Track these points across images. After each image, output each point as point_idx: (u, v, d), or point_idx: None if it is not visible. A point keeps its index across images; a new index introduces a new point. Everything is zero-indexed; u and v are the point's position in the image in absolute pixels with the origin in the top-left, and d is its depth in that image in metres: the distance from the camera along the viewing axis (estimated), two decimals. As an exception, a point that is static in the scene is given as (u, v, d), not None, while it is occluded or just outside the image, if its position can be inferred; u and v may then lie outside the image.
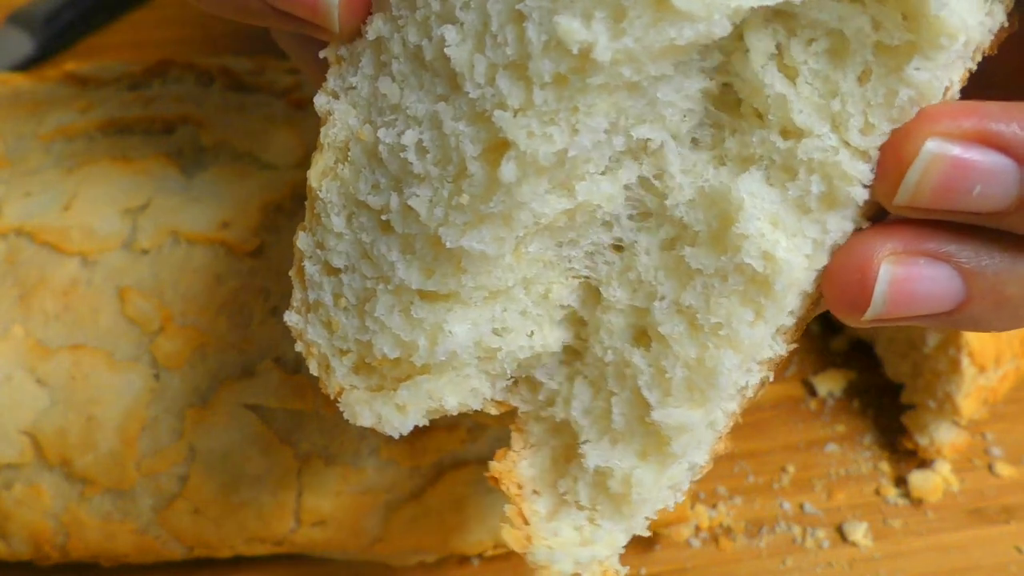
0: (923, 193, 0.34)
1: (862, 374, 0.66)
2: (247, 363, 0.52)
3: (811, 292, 0.37)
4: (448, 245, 0.36)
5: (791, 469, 0.62)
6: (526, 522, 0.41)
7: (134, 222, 0.53)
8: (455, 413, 0.42)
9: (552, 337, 0.41)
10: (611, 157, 0.37)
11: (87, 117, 0.57)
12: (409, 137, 0.37)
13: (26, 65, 0.80)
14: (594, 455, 0.40)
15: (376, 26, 0.38)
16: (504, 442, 0.53)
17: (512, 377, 0.42)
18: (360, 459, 0.52)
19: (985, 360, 0.59)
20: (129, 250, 0.53)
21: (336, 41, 0.40)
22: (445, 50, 0.36)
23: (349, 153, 0.39)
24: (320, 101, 0.40)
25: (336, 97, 0.40)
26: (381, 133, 0.38)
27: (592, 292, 0.40)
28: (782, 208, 0.36)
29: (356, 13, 0.38)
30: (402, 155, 0.37)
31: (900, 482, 0.61)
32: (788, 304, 0.37)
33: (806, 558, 0.58)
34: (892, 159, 0.34)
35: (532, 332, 0.40)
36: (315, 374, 0.41)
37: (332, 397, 0.41)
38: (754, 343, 0.37)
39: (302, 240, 0.41)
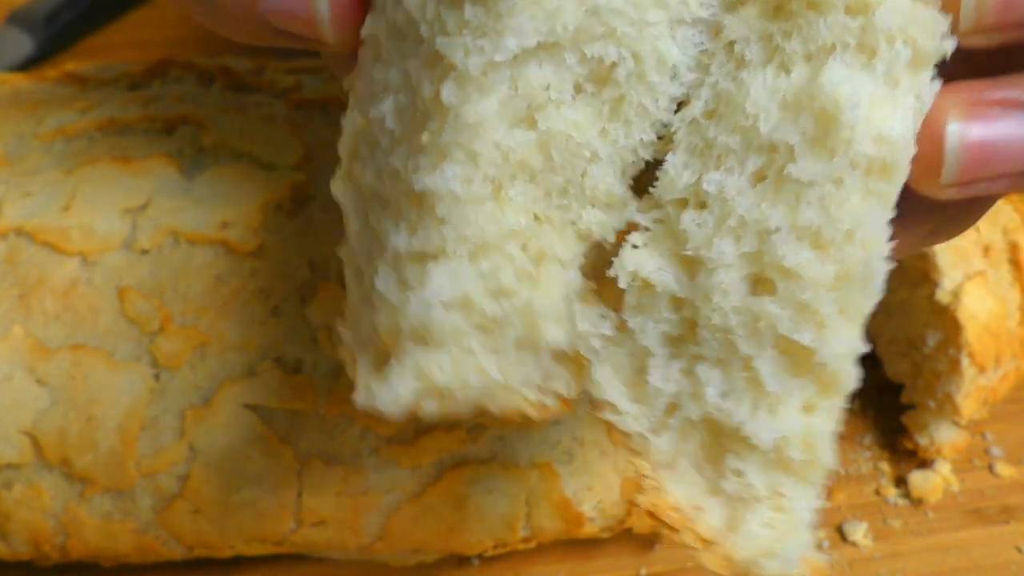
0: (986, 8, 0.32)
1: (862, 374, 0.66)
2: (247, 363, 0.52)
3: None
4: (417, 188, 0.36)
5: (791, 469, 0.62)
6: (707, 543, 0.37)
7: (134, 222, 0.53)
8: (467, 409, 0.38)
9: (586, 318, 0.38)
10: (575, 84, 0.36)
11: (87, 117, 0.57)
12: (387, 104, 0.37)
13: (26, 65, 0.80)
14: (762, 433, 0.36)
15: (367, 24, 0.38)
16: (505, 442, 0.53)
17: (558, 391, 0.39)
18: (360, 459, 0.52)
19: (985, 360, 0.59)
20: (129, 250, 0.53)
21: (335, 54, 0.40)
22: (404, 3, 0.36)
23: (358, 149, 0.39)
24: (343, 120, 0.40)
25: (350, 110, 0.40)
26: (371, 112, 0.38)
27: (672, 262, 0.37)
28: (875, 87, 0.34)
29: (345, 24, 0.38)
30: (386, 123, 0.37)
31: (900, 482, 0.61)
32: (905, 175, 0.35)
33: (806, 558, 0.58)
34: None
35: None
36: (352, 377, 0.39)
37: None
38: (888, 230, 0.35)
39: (342, 250, 0.41)
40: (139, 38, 0.82)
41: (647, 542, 0.59)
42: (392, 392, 0.37)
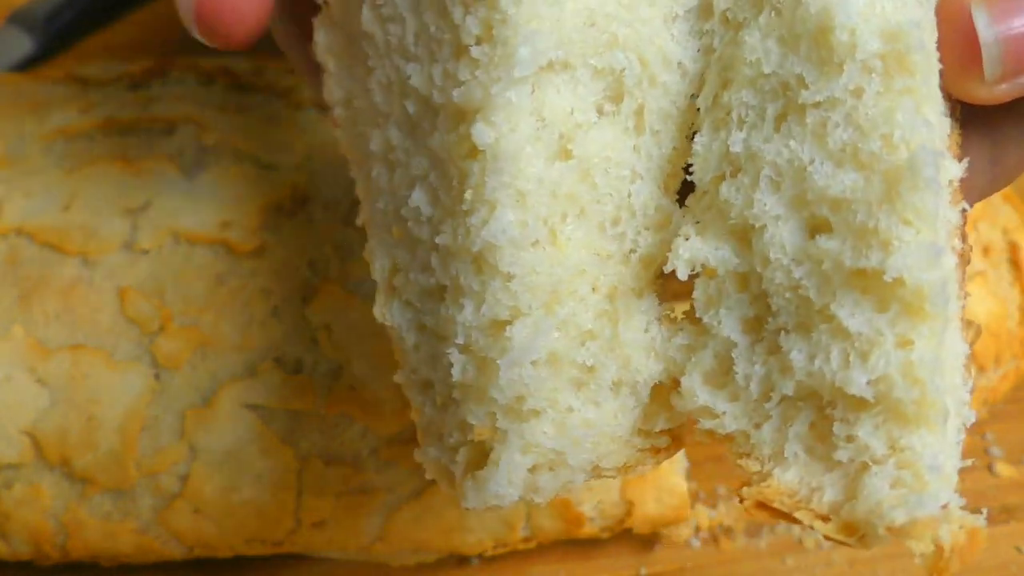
0: None
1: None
2: (247, 363, 0.52)
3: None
4: (475, 248, 0.35)
5: (791, 469, 0.62)
6: (826, 518, 0.35)
7: (134, 222, 0.53)
8: (585, 477, 0.37)
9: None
10: (596, 105, 0.36)
11: (87, 117, 0.57)
12: (418, 194, 0.37)
13: (26, 65, 0.80)
14: (860, 379, 0.34)
15: (376, 138, 0.39)
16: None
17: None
18: (360, 459, 0.52)
19: (985, 360, 0.59)
20: (129, 250, 0.53)
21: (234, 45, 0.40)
22: (409, 83, 0.37)
23: (397, 263, 0.39)
24: (366, 253, 0.41)
25: (372, 237, 0.40)
26: (403, 211, 0.38)
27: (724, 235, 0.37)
28: None
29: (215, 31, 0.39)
30: (422, 212, 0.37)
31: (900, 482, 0.61)
32: (932, 73, 0.34)
33: (806, 558, 0.58)
34: None
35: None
36: (447, 490, 0.39)
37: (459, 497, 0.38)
38: (926, 124, 0.33)
39: (399, 376, 0.40)
40: (139, 38, 0.82)
41: (647, 542, 0.59)
42: (502, 478, 0.36)
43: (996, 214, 0.59)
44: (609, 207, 0.36)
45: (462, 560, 0.58)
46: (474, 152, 0.35)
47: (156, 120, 0.57)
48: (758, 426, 0.37)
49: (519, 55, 0.34)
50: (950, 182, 0.35)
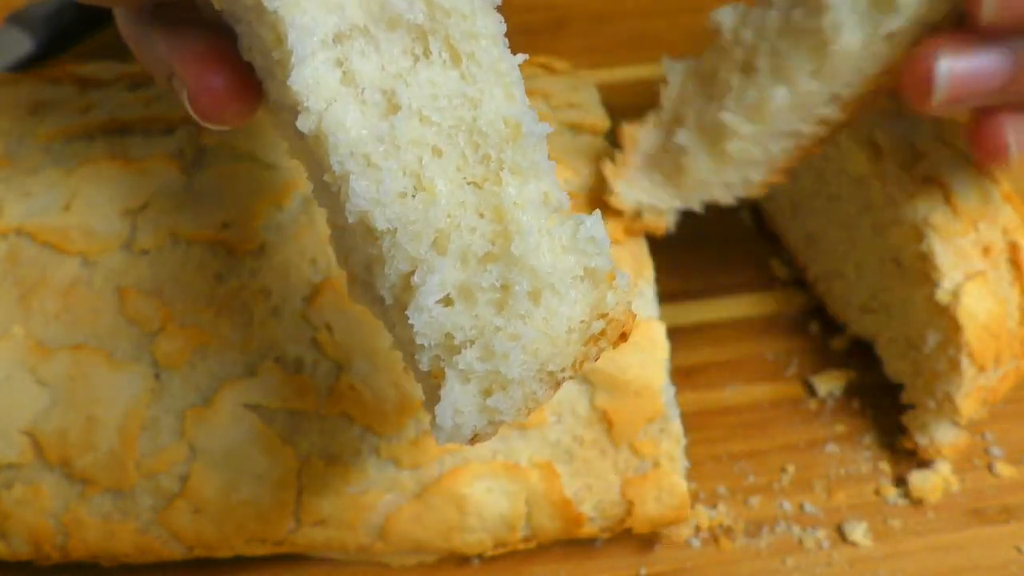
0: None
1: (862, 374, 0.66)
2: (247, 363, 0.52)
3: (868, 74, 0.48)
4: (353, 220, 0.38)
5: (791, 469, 0.62)
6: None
7: (134, 222, 0.53)
8: (538, 401, 0.39)
9: None
10: (403, 52, 0.38)
11: (87, 117, 0.57)
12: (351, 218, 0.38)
13: (26, 65, 0.80)
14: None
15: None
16: (505, 441, 0.53)
17: None
18: (360, 459, 0.52)
19: (985, 360, 0.59)
20: (129, 250, 0.53)
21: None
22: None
23: (346, 254, 0.42)
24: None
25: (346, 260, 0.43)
26: (328, 216, 0.42)
27: None
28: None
29: (215, 120, 0.44)
30: (359, 242, 0.39)
31: (900, 482, 0.61)
32: (843, 73, 0.48)
33: (806, 558, 0.58)
34: None
35: None
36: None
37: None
38: (809, 92, 0.49)
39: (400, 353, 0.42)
40: (139, 38, 0.82)
41: (647, 542, 0.59)
42: (449, 408, 0.38)
43: (996, 214, 0.59)
44: (461, 137, 0.38)
45: (462, 560, 0.58)
46: (314, 139, 0.37)
47: (156, 120, 0.57)
48: None
49: (291, 41, 0.36)
50: (799, 132, 0.51)
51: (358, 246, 0.40)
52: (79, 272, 0.52)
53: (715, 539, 0.60)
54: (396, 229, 0.37)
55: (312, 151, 0.39)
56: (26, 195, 0.54)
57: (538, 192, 0.38)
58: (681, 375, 0.65)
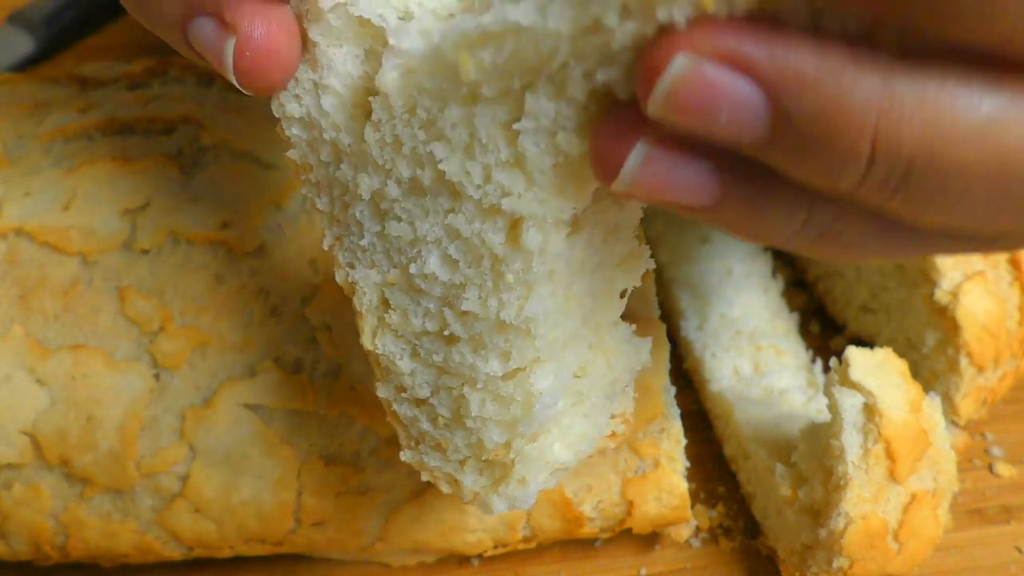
0: (672, 108, 0.30)
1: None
2: (247, 363, 0.52)
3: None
4: (515, 323, 0.38)
5: (791, 469, 0.62)
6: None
7: (134, 222, 0.53)
8: (575, 464, 0.44)
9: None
10: None
11: (87, 117, 0.57)
12: (433, 262, 0.39)
13: (26, 65, 0.80)
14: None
15: (366, 184, 0.40)
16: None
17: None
18: (360, 459, 0.52)
19: (984, 360, 0.59)
20: (129, 250, 0.53)
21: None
22: (439, 166, 0.37)
23: (389, 302, 0.41)
24: (340, 277, 0.42)
25: (352, 267, 0.42)
26: (412, 268, 0.40)
27: None
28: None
29: (247, 76, 0.39)
30: (438, 277, 0.39)
31: (900, 482, 0.61)
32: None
33: (806, 558, 0.58)
34: (647, 65, 0.30)
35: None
36: (451, 492, 0.44)
37: (479, 504, 0.44)
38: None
39: (382, 390, 0.43)
40: (139, 38, 0.82)
41: (647, 542, 0.59)
42: (531, 492, 0.43)
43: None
44: (597, 257, 0.40)
45: (462, 560, 0.58)
46: (517, 245, 0.37)
47: (155, 120, 0.57)
48: None
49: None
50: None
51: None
52: (79, 272, 0.52)
53: (715, 539, 0.60)
54: (539, 335, 0.39)
55: (476, 229, 0.37)
56: (26, 195, 0.54)
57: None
58: (681, 375, 0.66)
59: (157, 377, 0.52)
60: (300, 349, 0.52)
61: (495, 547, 0.55)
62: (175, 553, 0.54)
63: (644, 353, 0.44)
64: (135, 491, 0.52)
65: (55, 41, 0.82)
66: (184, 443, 0.52)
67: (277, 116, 0.42)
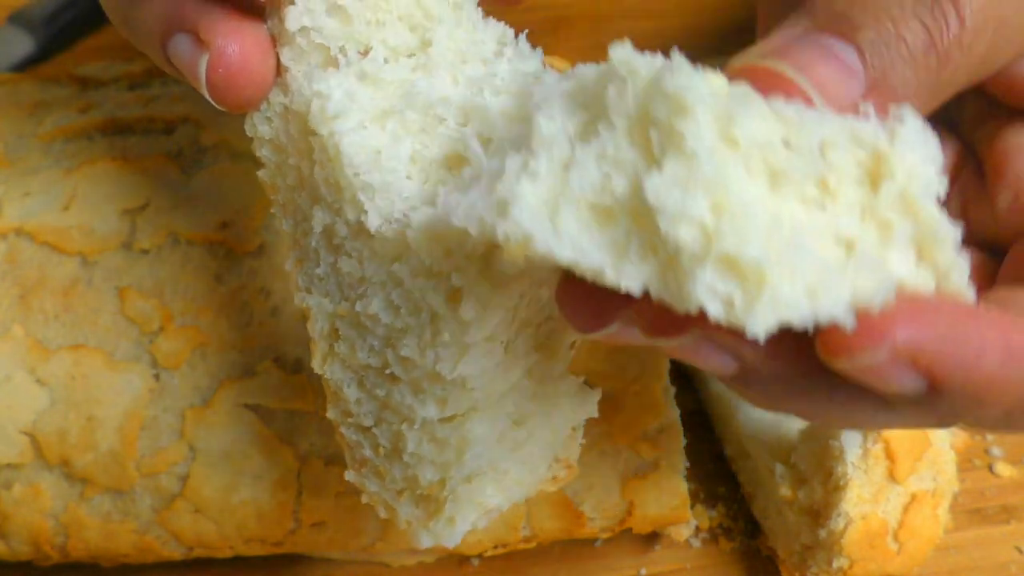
0: (856, 371, 0.32)
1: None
2: (247, 363, 0.52)
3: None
4: (449, 377, 0.38)
5: (791, 469, 0.62)
6: None
7: (133, 222, 0.53)
8: (506, 507, 0.44)
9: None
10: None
11: (87, 117, 0.57)
12: (377, 304, 0.39)
13: (26, 65, 0.80)
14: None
15: (319, 217, 0.40)
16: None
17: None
18: (360, 459, 0.52)
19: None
20: (129, 250, 0.53)
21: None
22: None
23: (339, 332, 0.42)
24: (298, 300, 0.43)
25: (309, 292, 0.43)
26: (358, 306, 0.40)
27: None
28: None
29: (220, 92, 0.40)
30: (381, 319, 0.39)
31: (900, 482, 0.61)
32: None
33: (806, 558, 0.58)
34: (837, 341, 0.31)
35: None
36: (386, 518, 0.45)
37: (409, 534, 0.44)
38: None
39: (330, 412, 0.44)
40: (139, 38, 0.82)
41: (647, 542, 0.59)
42: (459, 531, 0.43)
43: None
44: (547, 311, 0.40)
45: (462, 560, 0.58)
46: (455, 311, 0.37)
47: (155, 120, 0.57)
48: None
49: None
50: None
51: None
52: (79, 272, 0.52)
53: (715, 539, 0.60)
54: (477, 387, 0.39)
55: (418, 285, 0.38)
56: (26, 195, 0.54)
57: None
58: (681, 375, 0.65)
59: (157, 377, 0.52)
60: (300, 349, 0.52)
61: (495, 547, 0.55)
62: (175, 553, 0.54)
63: (590, 405, 0.44)
64: (135, 491, 0.52)
65: (55, 41, 0.82)
66: (184, 443, 0.52)
67: (250, 136, 0.42)
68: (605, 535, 0.56)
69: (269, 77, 0.40)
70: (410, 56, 0.40)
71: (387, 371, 0.40)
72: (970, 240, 0.38)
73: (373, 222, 0.38)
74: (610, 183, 0.31)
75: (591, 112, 0.32)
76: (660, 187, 0.29)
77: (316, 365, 0.43)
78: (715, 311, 0.29)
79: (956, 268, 0.32)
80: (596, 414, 0.44)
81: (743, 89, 0.31)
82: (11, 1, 0.82)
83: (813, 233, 0.30)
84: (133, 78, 0.60)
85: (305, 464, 0.52)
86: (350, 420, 0.43)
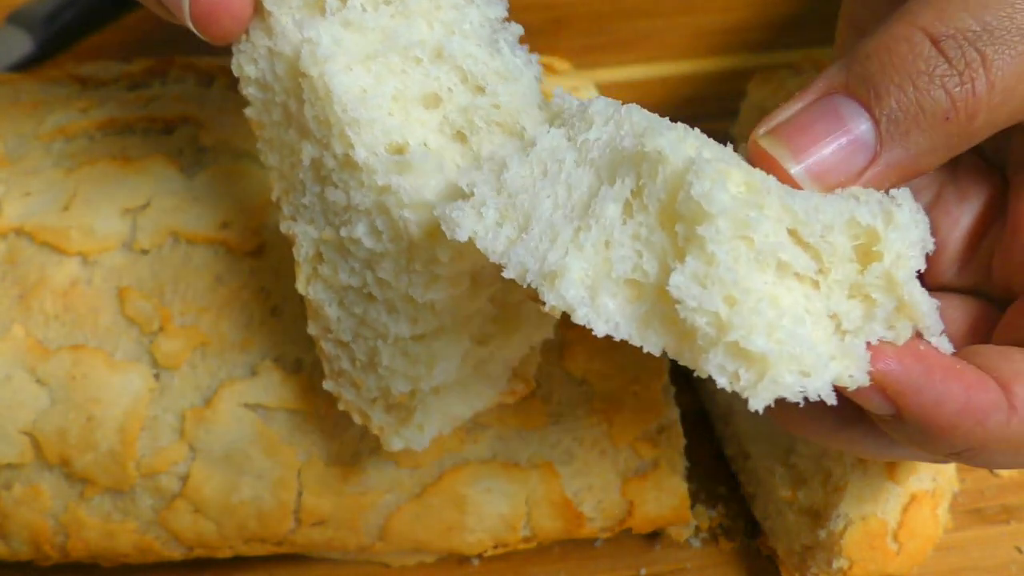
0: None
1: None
2: (247, 363, 0.52)
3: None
4: (420, 301, 0.42)
5: (791, 469, 0.62)
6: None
7: (134, 222, 0.53)
8: (470, 417, 0.48)
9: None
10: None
11: (87, 117, 0.57)
12: (361, 229, 0.43)
13: (26, 65, 0.80)
14: None
15: (307, 151, 0.44)
16: (505, 442, 0.53)
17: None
18: (360, 459, 0.52)
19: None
20: (129, 250, 0.53)
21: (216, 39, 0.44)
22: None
23: (322, 255, 0.45)
24: (283, 228, 0.46)
25: (295, 220, 0.46)
26: (342, 231, 0.44)
27: None
28: None
29: (203, 23, 0.43)
30: (364, 243, 0.43)
31: (900, 482, 0.61)
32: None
33: (806, 558, 0.58)
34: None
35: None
36: (361, 424, 0.48)
37: (382, 439, 0.48)
38: None
39: (311, 328, 0.47)
40: (139, 38, 0.82)
41: (647, 542, 0.59)
42: (425, 435, 0.47)
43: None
44: None
45: (462, 560, 0.58)
46: (432, 242, 0.41)
47: (155, 120, 0.57)
48: None
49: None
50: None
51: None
52: (79, 272, 0.52)
53: (715, 539, 0.60)
54: (443, 311, 0.43)
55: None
56: (26, 195, 0.54)
57: None
58: (681, 375, 0.65)
59: (157, 377, 0.52)
60: (300, 349, 0.52)
61: (495, 547, 0.55)
62: (175, 553, 0.54)
63: (548, 327, 0.47)
64: (135, 491, 0.52)
65: (55, 41, 0.82)
66: (184, 443, 0.52)
67: (236, 75, 0.46)
68: (605, 535, 0.56)
69: (247, 11, 0.43)
70: (388, 3, 0.43)
71: (365, 291, 0.44)
72: (990, 284, 0.42)
73: (360, 154, 0.41)
74: (642, 263, 0.37)
75: (628, 181, 0.37)
76: (682, 283, 0.35)
77: (300, 286, 0.46)
78: (722, 383, 0.35)
79: (935, 333, 0.38)
80: (552, 335, 0.48)
81: (759, 182, 0.36)
82: (11, 1, 0.82)
83: (809, 314, 0.36)
84: (133, 78, 0.60)
85: (305, 464, 0.52)
86: (330, 335, 0.47)
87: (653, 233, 0.37)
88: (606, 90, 0.63)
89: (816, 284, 0.37)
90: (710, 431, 0.64)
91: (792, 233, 0.36)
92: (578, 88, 0.61)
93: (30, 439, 0.51)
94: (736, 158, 0.38)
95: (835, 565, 0.53)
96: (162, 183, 0.54)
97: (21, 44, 0.81)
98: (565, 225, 0.37)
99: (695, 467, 0.61)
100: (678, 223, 0.36)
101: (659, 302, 0.36)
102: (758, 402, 0.35)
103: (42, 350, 0.51)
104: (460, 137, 0.42)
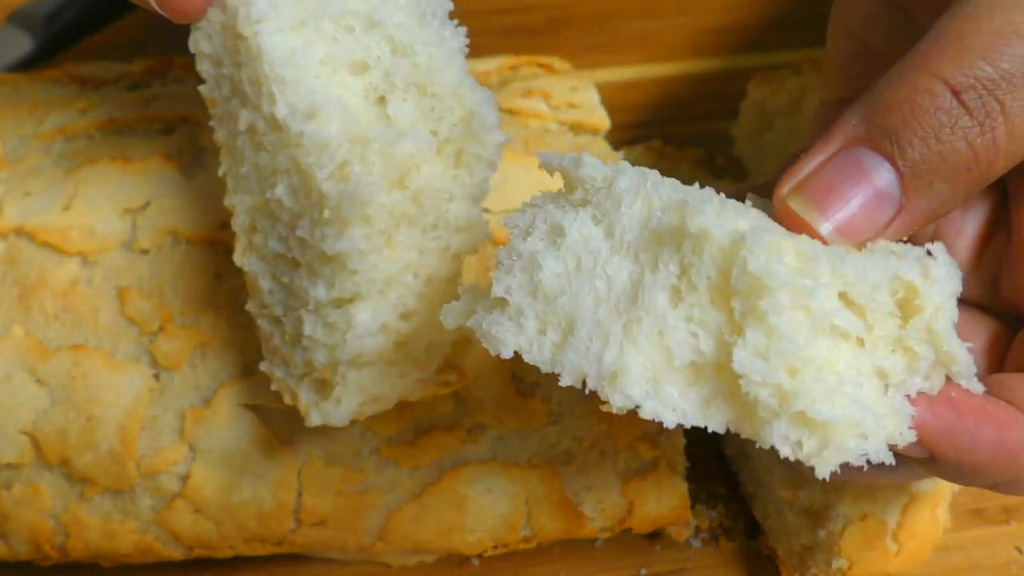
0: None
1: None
2: (247, 363, 0.52)
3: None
4: (329, 253, 0.42)
5: (791, 469, 0.62)
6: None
7: (134, 222, 0.53)
8: (392, 404, 0.47)
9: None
10: (430, 145, 0.43)
11: (87, 117, 0.57)
12: (281, 189, 0.44)
13: (26, 65, 0.80)
14: None
15: (244, 117, 0.45)
16: (505, 442, 0.53)
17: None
18: (360, 459, 0.52)
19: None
20: (129, 250, 0.53)
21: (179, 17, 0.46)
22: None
23: (255, 224, 0.47)
24: (227, 201, 0.48)
25: (235, 193, 0.47)
26: (268, 194, 0.45)
27: None
28: None
29: (175, 6, 0.45)
30: (284, 203, 0.44)
31: (900, 482, 0.61)
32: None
33: (806, 558, 0.58)
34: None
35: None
36: (290, 404, 0.48)
37: (303, 415, 0.47)
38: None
39: (250, 305, 0.48)
40: (139, 38, 0.82)
41: (647, 542, 0.59)
42: (343, 410, 0.46)
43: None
44: (430, 218, 0.44)
45: (462, 560, 0.58)
46: (344, 182, 0.42)
47: (155, 120, 0.57)
48: None
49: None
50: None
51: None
52: (79, 272, 0.52)
53: (715, 539, 0.60)
54: (359, 271, 0.43)
55: (307, 164, 0.43)
56: (26, 195, 0.54)
57: None
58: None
59: (157, 377, 0.52)
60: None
61: (495, 547, 0.55)
62: (175, 553, 0.54)
63: None
64: (135, 491, 0.52)
65: (55, 41, 0.82)
66: (184, 443, 0.52)
67: (192, 52, 0.47)
68: (605, 535, 0.56)
69: None
70: None
71: (290, 255, 0.45)
72: (999, 301, 0.43)
73: (281, 111, 0.43)
74: (698, 344, 0.37)
75: (672, 265, 0.37)
76: (744, 358, 0.36)
77: (237, 257, 0.47)
78: (786, 452, 0.35)
79: (967, 376, 0.39)
80: None
81: (808, 250, 0.36)
82: (11, 1, 0.82)
83: (860, 375, 0.37)
84: (133, 78, 0.60)
85: (305, 464, 0.52)
86: (265, 312, 0.48)
87: (706, 312, 0.37)
88: (606, 90, 0.63)
89: (861, 342, 0.37)
90: (710, 431, 0.63)
91: (842, 296, 0.37)
92: (578, 88, 0.61)
93: (30, 439, 0.51)
94: (779, 228, 0.38)
95: (835, 565, 0.53)
96: (162, 183, 0.54)
97: (21, 44, 0.81)
98: (613, 321, 0.37)
99: (695, 467, 0.61)
100: (734, 298, 0.36)
101: (718, 379, 0.37)
102: (824, 469, 0.35)
103: (42, 350, 0.51)
104: (381, 101, 0.43)
